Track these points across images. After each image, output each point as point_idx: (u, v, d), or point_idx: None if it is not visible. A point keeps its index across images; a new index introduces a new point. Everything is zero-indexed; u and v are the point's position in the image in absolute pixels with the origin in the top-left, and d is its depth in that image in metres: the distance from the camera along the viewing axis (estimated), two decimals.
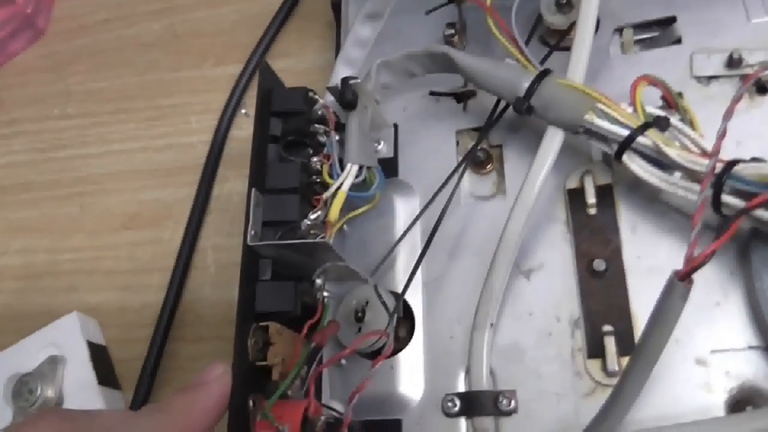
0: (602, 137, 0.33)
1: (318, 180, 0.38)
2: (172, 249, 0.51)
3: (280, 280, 0.36)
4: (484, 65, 0.36)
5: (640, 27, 0.39)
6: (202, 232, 0.52)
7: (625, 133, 0.32)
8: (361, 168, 0.37)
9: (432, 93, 0.41)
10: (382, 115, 0.41)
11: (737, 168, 0.29)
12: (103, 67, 0.62)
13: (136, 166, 0.56)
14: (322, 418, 0.32)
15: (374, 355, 0.34)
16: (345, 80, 0.39)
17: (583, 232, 0.35)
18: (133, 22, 0.63)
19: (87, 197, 0.56)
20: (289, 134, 0.39)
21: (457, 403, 0.34)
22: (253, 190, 0.36)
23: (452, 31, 0.42)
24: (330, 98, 0.40)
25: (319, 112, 0.39)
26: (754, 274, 0.31)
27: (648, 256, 0.34)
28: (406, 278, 0.35)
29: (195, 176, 0.53)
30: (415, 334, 0.36)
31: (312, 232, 0.36)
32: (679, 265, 0.26)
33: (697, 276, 0.25)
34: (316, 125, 0.38)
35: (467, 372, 0.34)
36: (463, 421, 0.34)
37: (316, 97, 0.39)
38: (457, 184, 0.37)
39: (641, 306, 0.33)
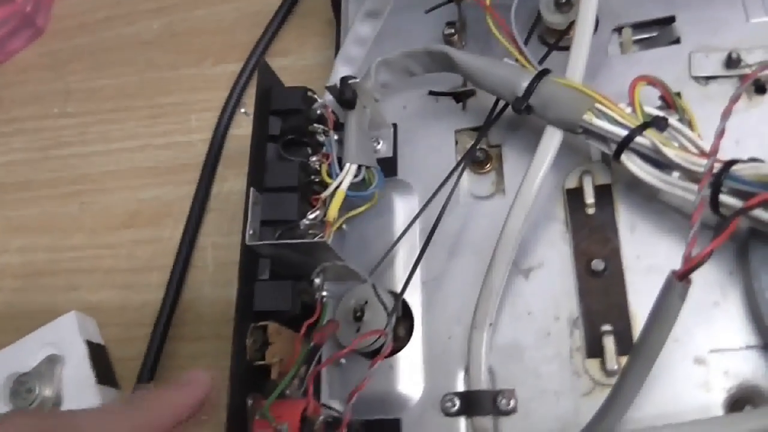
0: (601, 137, 0.33)
1: (317, 179, 0.38)
2: (171, 247, 0.51)
3: (278, 279, 0.36)
4: (483, 64, 0.36)
5: (639, 26, 0.39)
6: (201, 231, 0.52)
7: (624, 133, 0.32)
8: (360, 167, 0.37)
9: (431, 92, 0.41)
10: (381, 115, 0.41)
11: (735, 168, 0.29)
12: (103, 65, 0.62)
13: (135, 164, 0.56)
14: (321, 417, 0.32)
15: (373, 354, 0.35)
16: (344, 79, 0.39)
17: (581, 232, 0.35)
18: (133, 20, 0.63)
19: (87, 196, 0.56)
20: (288, 133, 0.39)
21: (457, 402, 0.34)
22: (252, 189, 0.36)
23: (452, 30, 0.42)
24: (329, 97, 0.40)
25: (318, 111, 0.39)
26: (753, 274, 0.31)
27: (647, 255, 0.34)
28: (405, 277, 0.36)
29: (194, 174, 0.53)
30: (414, 333, 0.36)
31: (311, 231, 0.36)
32: (677, 264, 0.26)
33: (695, 275, 0.25)
34: (315, 124, 0.39)
35: (466, 371, 0.34)
36: (462, 421, 0.34)
37: (315, 96, 0.39)
38: (456, 183, 0.37)
39: (640, 305, 0.33)
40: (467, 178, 0.39)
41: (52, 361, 0.45)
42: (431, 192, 0.36)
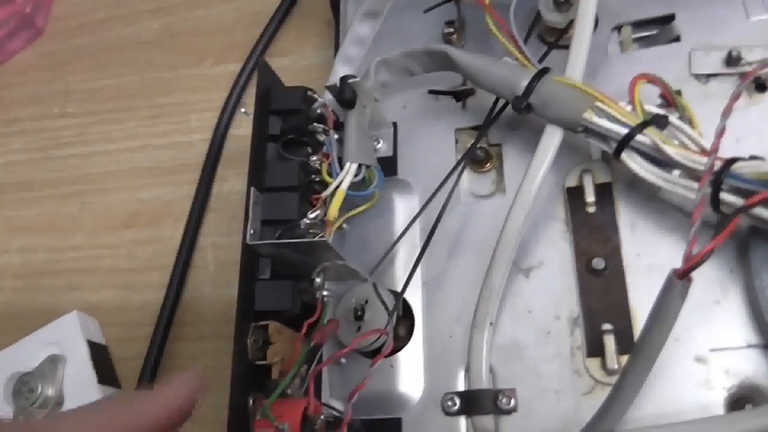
0: (601, 135, 0.33)
1: (317, 179, 0.38)
2: (171, 247, 0.51)
3: (279, 278, 0.36)
4: (482, 63, 0.36)
5: (638, 25, 0.39)
6: (201, 231, 0.52)
7: (624, 131, 0.32)
8: (360, 167, 0.37)
9: (431, 91, 0.41)
10: (381, 114, 0.41)
11: (736, 166, 0.29)
12: (103, 65, 0.62)
13: (135, 164, 0.56)
14: (322, 416, 0.32)
15: (374, 353, 0.34)
16: (344, 79, 0.39)
17: (582, 231, 0.35)
18: (133, 20, 0.63)
19: (87, 196, 0.56)
20: (288, 133, 0.39)
21: (457, 401, 0.34)
22: (252, 188, 0.36)
23: (451, 30, 0.42)
24: (329, 97, 0.40)
25: (318, 111, 0.39)
26: (753, 272, 0.31)
27: (647, 254, 0.34)
28: (406, 277, 0.36)
29: (195, 174, 0.53)
30: (415, 332, 0.36)
31: (311, 230, 0.36)
32: (678, 263, 0.26)
33: (696, 274, 0.25)
34: (315, 124, 0.39)
35: (467, 370, 0.34)
36: (462, 420, 0.34)
37: (315, 95, 0.39)
38: (457, 182, 0.37)
39: (641, 304, 0.33)
40: (467, 177, 0.39)
41: (54, 361, 0.45)
42: (431, 191, 0.36)
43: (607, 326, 0.33)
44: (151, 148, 0.56)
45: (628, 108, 0.33)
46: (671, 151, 0.31)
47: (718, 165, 0.29)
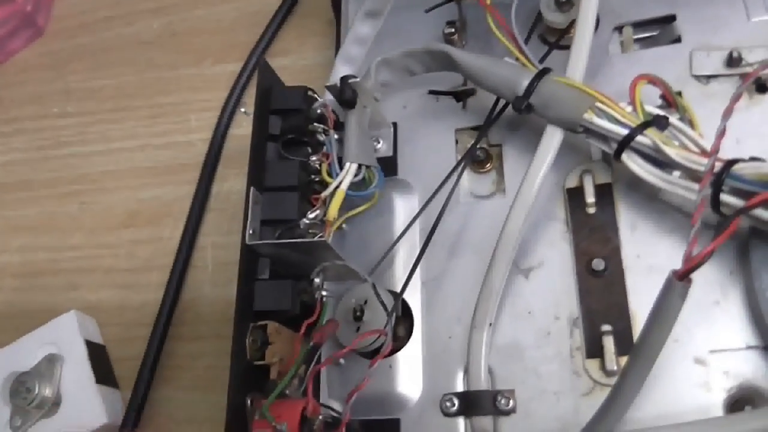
0: (601, 136, 0.33)
1: (317, 179, 0.38)
2: (171, 247, 0.51)
3: (278, 278, 0.36)
4: (483, 63, 0.36)
5: (639, 25, 0.39)
6: (201, 231, 0.52)
7: (625, 132, 0.32)
8: (360, 167, 0.37)
9: (431, 91, 0.41)
10: (382, 114, 0.41)
11: (736, 167, 0.29)
12: (103, 65, 0.62)
13: (135, 164, 0.56)
14: (320, 417, 0.32)
15: (373, 354, 0.34)
16: (344, 79, 0.39)
17: (582, 231, 0.35)
18: (133, 20, 0.63)
19: (87, 195, 0.56)
20: (288, 133, 0.39)
21: (456, 402, 0.34)
22: (252, 188, 0.36)
23: (452, 29, 0.42)
24: (329, 97, 0.40)
25: (318, 111, 0.39)
26: (754, 274, 0.31)
27: (647, 255, 0.34)
28: (405, 277, 0.35)
29: (194, 174, 0.53)
30: (414, 333, 0.36)
31: (311, 230, 0.36)
32: (678, 264, 0.26)
33: (696, 275, 0.25)
34: (315, 124, 0.38)
35: (466, 371, 0.34)
36: (461, 421, 0.34)
37: (316, 95, 0.39)
38: (457, 182, 0.37)
39: (640, 305, 0.33)
40: (467, 177, 0.39)
41: (51, 361, 0.45)
42: (431, 191, 0.36)
43: (606, 327, 0.33)
44: (150, 148, 0.56)
45: (629, 109, 0.33)
46: (672, 152, 0.31)
47: (718, 166, 0.29)
